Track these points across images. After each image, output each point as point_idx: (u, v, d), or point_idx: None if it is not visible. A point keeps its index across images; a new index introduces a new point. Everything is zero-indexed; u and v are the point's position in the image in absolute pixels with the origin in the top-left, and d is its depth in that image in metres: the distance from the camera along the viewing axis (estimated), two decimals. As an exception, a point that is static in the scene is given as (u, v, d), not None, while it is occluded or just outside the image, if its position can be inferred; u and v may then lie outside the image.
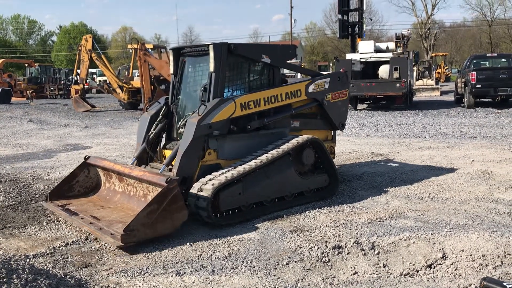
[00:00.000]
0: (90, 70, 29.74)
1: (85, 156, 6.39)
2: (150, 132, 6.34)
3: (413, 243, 4.59)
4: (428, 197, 6.30)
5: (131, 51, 24.23)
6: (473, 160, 8.51)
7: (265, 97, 6.08)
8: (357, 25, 20.99)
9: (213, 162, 5.76)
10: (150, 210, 4.66)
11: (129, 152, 10.61)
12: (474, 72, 18.65)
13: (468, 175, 7.45)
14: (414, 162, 8.66)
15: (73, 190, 6.23)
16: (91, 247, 4.84)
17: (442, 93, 29.08)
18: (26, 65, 40.31)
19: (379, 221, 5.31)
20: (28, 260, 4.42)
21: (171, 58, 6.52)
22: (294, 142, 6.04)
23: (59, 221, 5.69)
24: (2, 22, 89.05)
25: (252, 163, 5.58)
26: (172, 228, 4.88)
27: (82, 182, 6.29)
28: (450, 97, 25.06)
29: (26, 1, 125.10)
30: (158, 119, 6.38)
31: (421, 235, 4.72)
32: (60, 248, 4.81)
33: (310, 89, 6.59)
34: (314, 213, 5.67)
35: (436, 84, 30.71)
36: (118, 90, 22.85)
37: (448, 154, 9.24)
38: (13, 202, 6.50)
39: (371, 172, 7.80)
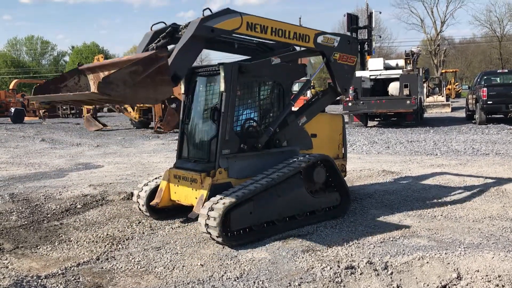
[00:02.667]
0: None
1: (78, 63, 6.07)
2: None
3: (427, 263, 4.53)
4: (441, 215, 6.23)
5: (142, 70, 24.46)
6: (486, 178, 8.42)
7: (273, 27, 5.94)
8: (366, 42, 21.06)
9: (224, 181, 5.75)
10: (134, 70, 4.46)
11: (140, 171, 10.66)
12: (485, 89, 18.57)
13: (481, 193, 7.37)
14: (426, 179, 8.59)
15: (59, 92, 5.85)
16: (102, 267, 4.83)
17: (453, 109, 28.94)
18: (38, 85, 40.85)
19: (392, 241, 5.25)
20: (40, 281, 4.43)
21: (183, 78, 6.57)
22: (305, 160, 6.03)
23: (71, 241, 5.71)
24: (16, 43, 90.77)
25: (263, 182, 5.57)
26: (154, 99, 4.76)
27: (70, 87, 5.91)
28: (461, 114, 24.92)
29: (40, 22, 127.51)
30: None
31: (435, 254, 4.66)
32: (72, 269, 4.81)
33: (319, 39, 6.46)
34: (326, 232, 5.63)
35: (447, 100, 30.58)
36: (130, 109, 23.06)
37: (461, 172, 9.15)
38: (26, 222, 6.53)
39: (383, 190, 7.75)
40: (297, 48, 6.77)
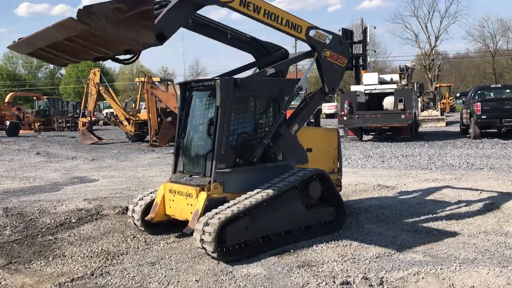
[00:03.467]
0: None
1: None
2: None
3: (422, 278, 4.53)
4: (436, 230, 6.24)
5: (138, 84, 24.60)
6: (480, 192, 8.45)
7: (267, 9, 5.94)
8: (361, 57, 21.17)
9: (219, 196, 5.75)
10: (118, 7, 4.26)
11: (135, 185, 10.63)
12: (479, 103, 18.72)
13: (476, 207, 7.39)
14: (421, 194, 8.61)
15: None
16: (96, 283, 4.80)
17: (448, 123, 29.09)
18: (34, 98, 40.87)
19: (387, 256, 5.25)
20: (33, 296, 4.39)
21: (179, 92, 6.61)
22: (300, 175, 6.04)
23: (65, 256, 5.67)
24: (12, 57, 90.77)
25: (259, 197, 5.57)
26: (135, 42, 4.56)
27: None
28: (456, 128, 25.06)
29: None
30: None
31: (430, 270, 4.66)
32: (66, 284, 4.77)
33: (311, 33, 6.45)
34: (322, 247, 5.62)
35: (441, 114, 30.76)
36: (125, 123, 23.06)
37: (455, 186, 9.18)
38: (19, 237, 6.49)
39: (378, 205, 7.76)
40: (293, 55, 6.74)
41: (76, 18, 4.08)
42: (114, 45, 4.64)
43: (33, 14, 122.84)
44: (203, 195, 5.64)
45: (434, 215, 7.01)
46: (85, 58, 5.22)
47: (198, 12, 5.87)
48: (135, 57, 5.36)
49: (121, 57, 5.28)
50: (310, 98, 6.86)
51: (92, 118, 25.18)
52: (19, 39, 5.09)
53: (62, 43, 4.66)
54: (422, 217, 6.92)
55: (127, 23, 4.34)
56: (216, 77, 6.82)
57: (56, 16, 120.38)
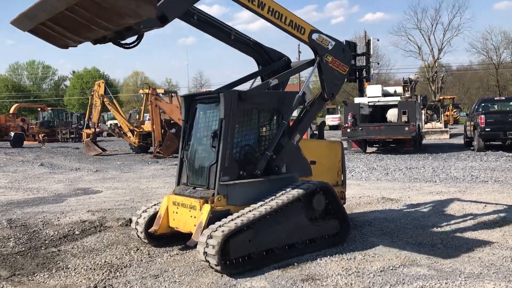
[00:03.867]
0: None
1: None
2: None
3: (427, 293, 4.49)
4: (441, 244, 6.20)
5: (142, 95, 24.71)
6: (485, 205, 8.41)
7: (271, 7, 5.97)
8: (364, 69, 21.25)
9: (223, 208, 5.74)
10: None
11: (138, 196, 10.63)
12: (482, 116, 18.70)
13: (481, 221, 7.35)
14: (425, 207, 8.57)
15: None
16: (99, 296, 4.78)
17: (451, 136, 29.05)
18: (39, 109, 41.10)
19: (392, 269, 5.21)
20: (36, 309, 4.37)
21: (183, 105, 6.63)
22: (304, 187, 6.02)
23: (68, 268, 5.66)
24: (18, 68, 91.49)
25: (262, 209, 5.56)
26: (135, 14, 4.45)
27: None
28: (460, 140, 25.01)
29: (42, 47, 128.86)
30: None
31: (435, 284, 4.63)
32: (69, 297, 4.76)
33: (314, 36, 6.44)
34: (326, 260, 5.59)
35: (445, 127, 30.72)
36: (129, 134, 23.14)
37: (460, 199, 9.14)
38: (23, 248, 6.49)
39: (382, 218, 7.72)
40: (296, 64, 6.71)
41: None
42: (114, 17, 4.55)
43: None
44: (207, 208, 5.64)
45: (439, 229, 6.98)
46: (86, 37, 5.14)
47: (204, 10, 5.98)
48: (136, 42, 5.42)
49: (123, 42, 5.32)
50: (310, 106, 6.79)
51: (96, 129, 25.25)
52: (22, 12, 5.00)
53: (63, 15, 4.60)
54: (427, 230, 6.88)
55: None
56: (219, 88, 6.87)
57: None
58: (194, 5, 5.95)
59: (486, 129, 18.52)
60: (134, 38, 5.55)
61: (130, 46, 5.54)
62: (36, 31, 5.11)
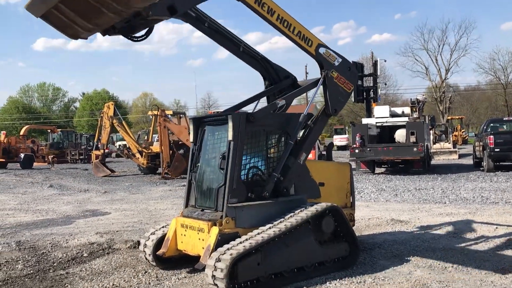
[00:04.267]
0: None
1: None
2: None
3: (439, 317, 4.42)
4: (452, 267, 6.11)
5: (151, 117, 24.90)
6: (496, 227, 8.31)
7: (280, 15, 6.01)
8: (371, 90, 21.32)
9: (231, 230, 5.71)
10: None
11: (147, 218, 10.63)
12: (491, 136, 18.62)
13: (492, 243, 7.25)
14: (435, 229, 8.49)
15: None
16: (107, 320, 4.75)
17: (460, 156, 28.87)
18: (49, 131, 41.46)
19: (402, 293, 5.14)
20: (44, 333, 4.35)
21: (191, 127, 6.67)
22: (313, 210, 5.99)
23: (76, 291, 5.64)
24: (28, 90, 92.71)
25: (271, 232, 5.53)
26: None
27: None
28: (469, 161, 24.85)
29: (52, 69, 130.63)
30: None
31: (447, 309, 4.55)
32: (77, 321, 4.73)
33: (321, 50, 6.44)
34: (335, 284, 5.53)
35: (454, 147, 30.58)
36: (138, 155, 23.25)
37: (470, 221, 9.04)
38: (31, 271, 6.48)
39: (392, 240, 7.65)
40: (302, 83, 6.71)
41: None
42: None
43: (50, 48, 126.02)
44: (215, 230, 5.62)
45: (449, 251, 6.89)
46: (96, 23, 5.20)
47: (217, 20, 6.15)
48: (145, 36, 5.58)
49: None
50: (314, 124, 6.70)
51: (105, 151, 25.40)
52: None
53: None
54: (437, 253, 6.80)
55: None
56: (226, 110, 6.92)
57: (71, 51, 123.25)
58: (207, 13, 6.11)
59: (496, 150, 18.41)
60: (143, 32, 5.69)
61: (139, 39, 5.63)
62: (48, 16, 5.19)
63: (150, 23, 5.58)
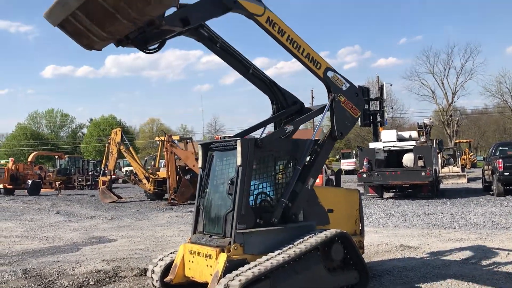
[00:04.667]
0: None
1: None
2: None
3: None
4: (465, 294, 6.00)
5: (158, 142, 25.00)
6: (508, 253, 8.17)
7: (291, 36, 6.06)
8: (378, 114, 21.33)
9: (240, 257, 5.65)
10: None
11: (153, 245, 10.56)
12: (500, 160, 18.49)
13: (504, 270, 7.12)
14: (445, 255, 8.35)
15: None
16: None
17: (469, 180, 28.64)
18: (56, 157, 41.69)
19: (414, 322, 5.03)
20: None
21: (200, 152, 6.67)
22: (322, 236, 5.92)
23: (83, 320, 5.57)
24: (36, 116, 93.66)
25: (280, 258, 5.46)
26: (160, 4, 4.74)
27: None
28: (478, 184, 24.63)
29: (61, 96, 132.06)
30: None
31: (461, 338, 4.44)
32: None
33: (329, 74, 6.45)
34: (345, 312, 5.43)
35: (462, 171, 30.37)
36: (144, 181, 23.27)
37: (481, 247, 8.90)
38: (38, 299, 6.42)
39: (402, 267, 7.53)
40: (309, 109, 6.73)
41: None
42: (138, 4, 4.75)
43: (58, 75, 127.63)
44: (223, 257, 5.56)
45: (461, 278, 6.76)
46: (110, 32, 5.29)
47: (228, 42, 6.23)
48: (157, 48, 5.72)
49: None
50: (320, 148, 6.67)
51: (112, 177, 25.44)
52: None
53: (94, 5, 4.88)
54: (448, 280, 6.68)
55: None
56: (234, 135, 6.92)
57: (80, 77, 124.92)
58: (219, 34, 6.19)
59: (505, 174, 18.25)
60: (155, 45, 5.79)
61: (151, 51, 5.74)
62: (65, 24, 5.31)
63: (162, 34, 5.67)
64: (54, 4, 5.20)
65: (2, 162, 38.92)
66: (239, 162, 5.87)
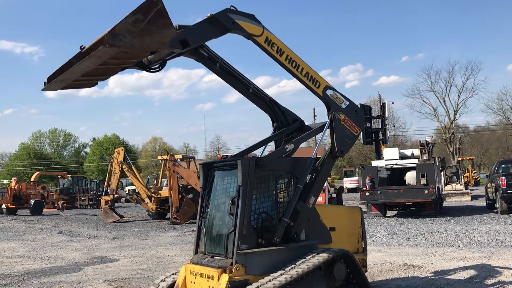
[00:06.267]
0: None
1: (81, 46, 5.50)
2: None
3: None
4: (469, 314, 5.94)
5: (161, 161, 25.04)
6: (513, 272, 8.10)
7: (289, 56, 6.14)
8: (380, 132, 21.34)
9: (242, 278, 5.61)
10: (135, 19, 4.57)
11: (155, 265, 10.50)
12: (503, 177, 18.41)
13: (509, 288, 7.06)
14: (449, 274, 8.28)
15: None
16: None
17: (473, 197, 28.50)
18: (59, 176, 41.70)
19: None
20: None
21: (201, 172, 6.68)
22: (324, 255, 5.89)
23: None
24: (40, 136, 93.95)
25: (282, 279, 5.43)
26: (160, 43, 4.83)
27: None
28: (482, 202, 24.49)
29: (64, 115, 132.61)
30: None
31: None
32: None
33: (328, 92, 6.49)
34: (348, 333, 5.37)
35: (466, 188, 30.24)
36: (147, 200, 23.25)
37: (486, 265, 8.83)
38: (39, 321, 6.38)
39: (406, 286, 7.47)
40: (309, 127, 6.76)
41: (107, 45, 4.43)
42: (142, 53, 4.93)
43: (62, 95, 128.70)
44: (225, 278, 5.53)
45: (466, 297, 6.70)
46: (115, 73, 5.54)
47: (228, 62, 6.30)
48: (159, 67, 5.83)
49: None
50: (321, 166, 6.67)
51: (115, 196, 25.42)
52: (48, 78, 5.39)
53: (95, 68, 5.01)
54: (453, 300, 6.62)
55: (148, 29, 4.70)
56: (235, 155, 6.94)
57: (83, 97, 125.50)
58: (218, 54, 6.26)
59: (508, 191, 18.17)
60: (157, 65, 5.88)
61: (152, 71, 5.86)
62: (67, 87, 5.49)
63: (163, 56, 5.76)
64: (52, 84, 5.38)
65: (5, 181, 38.90)
66: (240, 182, 5.87)
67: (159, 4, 4.74)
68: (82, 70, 5.07)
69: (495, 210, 19.60)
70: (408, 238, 13.22)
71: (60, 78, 5.25)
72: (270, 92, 7.10)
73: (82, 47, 5.32)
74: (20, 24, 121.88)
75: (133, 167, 25.06)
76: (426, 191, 18.51)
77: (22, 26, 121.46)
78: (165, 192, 23.15)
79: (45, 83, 5.46)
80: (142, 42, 4.70)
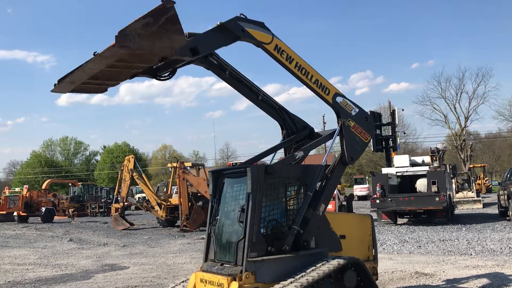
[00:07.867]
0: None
1: (94, 52, 5.51)
2: None
3: None
4: (482, 323, 5.86)
5: (170, 169, 25.11)
6: (527, 280, 7.99)
7: (299, 63, 6.13)
8: (390, 139, 21.24)
9: (251, 286, 5.58)
10: (146, 22, 4.54)
11: (165, 272, 10.50)
12: (516, 185, 18.21)
13: (523, 297, 6.95)
14: (462, 282, 8.19)
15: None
16: None
17: (485, 205, 28.20)
18: (70, 184, 41.98)
19: None
20: None
21: (211, 180, 6.68)
22: (334, 263, 5.85)
23: None
24: (51, 144, 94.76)
25: (292, 287, 5.40)
26: (171, 49, 4.84)
27: None
28: (494, 210, 24.22)
29: (75, 123, 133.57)
30: None
31: None
32: None
33: (338, 99, 6.47)
34: None
35: (477, 196, 29.92)
36: (157, 208, 23.30)
37: (499, 274, 8.71)
38: (49, 328, 6.40)
39: (417, 294, 7.40)
40: (319, 134, 6.77)
41: (116, 45, 4.44)
42: (151, 57, 4.93)
43: (73, 103, 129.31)
44: (235, 285, 5.51)
45: (478, 306, 6.62)
46: (125, 78, 5.53)
47: (237, 69, 6.27)
48: (169, 75, 5.85)
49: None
50: (331, 173, 6.63)
51: (125, 203, 25.51)
52: (58, 80, 5.45)
53: (103, 70, 5.02)
54: (466, 308, 6.54)
55: (159, 34, 4.69)
56: (244, 162, 6.93)
57: (94, 105, 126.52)
58: (228, 62, 6.26)
59: (521, 199, 17.97)
60: (167, 72, 5.89)
61: (162, 79, 5.88)
62: (76, 90, 5.51)
63: (172, 64, 5.78)
64: (61, 85, 5.41)
65: (17, 189, 39.25)
66: (249, 189, 5.85)
67: (171, 11, 4.74)
68: (90, 71, 5.08)
69: (507, 218, 19.35)
70: (419, 246, 13.10)
71: (69, 79, 5.29)
72: (279, 99, 7.10)
73: (95, 53, 5.30)
74: (32, 33, 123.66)
75: (143, 175, 25.16)
76: (437, 199, 18.35)
77: (34, 35, 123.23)
78: (175, 200, 23.20)
79: (55, 84, 5.51)
80: (152, 45, 4.72)
